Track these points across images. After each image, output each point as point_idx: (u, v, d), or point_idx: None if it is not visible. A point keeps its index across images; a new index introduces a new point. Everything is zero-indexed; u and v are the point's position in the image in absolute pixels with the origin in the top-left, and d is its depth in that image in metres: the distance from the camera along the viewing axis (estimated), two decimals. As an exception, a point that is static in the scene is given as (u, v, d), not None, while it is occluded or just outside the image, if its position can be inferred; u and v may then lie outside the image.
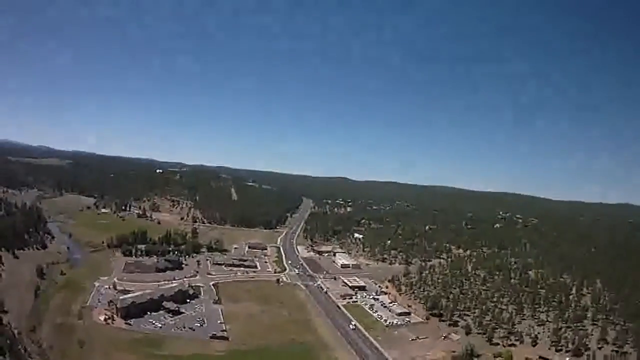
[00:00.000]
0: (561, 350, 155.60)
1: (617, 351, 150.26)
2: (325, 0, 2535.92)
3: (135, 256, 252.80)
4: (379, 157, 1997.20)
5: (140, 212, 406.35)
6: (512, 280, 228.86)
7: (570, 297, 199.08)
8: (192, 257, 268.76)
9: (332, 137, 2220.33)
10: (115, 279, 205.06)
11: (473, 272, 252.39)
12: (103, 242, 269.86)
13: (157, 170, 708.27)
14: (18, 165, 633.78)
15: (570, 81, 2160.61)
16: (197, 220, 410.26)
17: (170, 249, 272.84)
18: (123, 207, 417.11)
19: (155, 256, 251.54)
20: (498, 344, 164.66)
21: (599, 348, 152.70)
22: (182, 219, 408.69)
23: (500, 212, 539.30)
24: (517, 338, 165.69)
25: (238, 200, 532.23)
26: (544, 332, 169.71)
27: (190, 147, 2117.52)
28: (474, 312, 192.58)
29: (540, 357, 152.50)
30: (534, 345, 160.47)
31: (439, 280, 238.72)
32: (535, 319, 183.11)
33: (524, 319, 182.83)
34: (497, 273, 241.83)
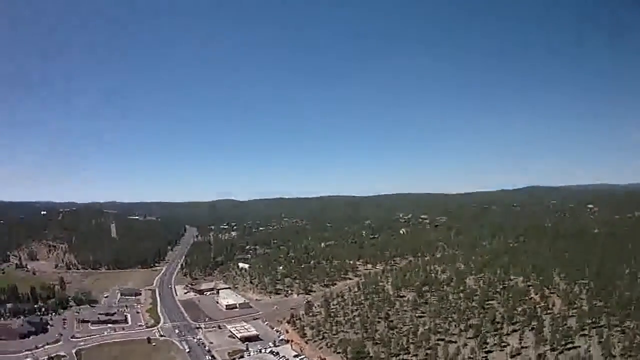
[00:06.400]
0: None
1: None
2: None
3: (4, 318, 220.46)
4: (263, 173, 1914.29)
5: (18, 263, 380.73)
6: (451, 297, 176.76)
7: (536, 306, 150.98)
8: (59, 314, 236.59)
9: (215, 157, 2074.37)
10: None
11: (395, 293, 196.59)
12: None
13: (42, 212, 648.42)
14: None
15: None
16: (72, 266, 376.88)
17: (37, 306, 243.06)
18: (3, 259, 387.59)
19: (22, 317, 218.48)
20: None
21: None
22: (56, 266, 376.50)
23: (401, 215, 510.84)
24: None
25: (117, 237, 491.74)
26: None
27: (83, 184, 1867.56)
28: (417, 356, 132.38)
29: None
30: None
31: (355, 313, 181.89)
32: (504, 346, 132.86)
33: (489, 352, 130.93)
34: (428, 290, 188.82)
